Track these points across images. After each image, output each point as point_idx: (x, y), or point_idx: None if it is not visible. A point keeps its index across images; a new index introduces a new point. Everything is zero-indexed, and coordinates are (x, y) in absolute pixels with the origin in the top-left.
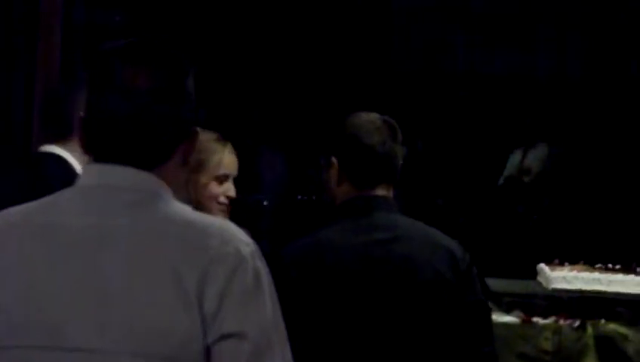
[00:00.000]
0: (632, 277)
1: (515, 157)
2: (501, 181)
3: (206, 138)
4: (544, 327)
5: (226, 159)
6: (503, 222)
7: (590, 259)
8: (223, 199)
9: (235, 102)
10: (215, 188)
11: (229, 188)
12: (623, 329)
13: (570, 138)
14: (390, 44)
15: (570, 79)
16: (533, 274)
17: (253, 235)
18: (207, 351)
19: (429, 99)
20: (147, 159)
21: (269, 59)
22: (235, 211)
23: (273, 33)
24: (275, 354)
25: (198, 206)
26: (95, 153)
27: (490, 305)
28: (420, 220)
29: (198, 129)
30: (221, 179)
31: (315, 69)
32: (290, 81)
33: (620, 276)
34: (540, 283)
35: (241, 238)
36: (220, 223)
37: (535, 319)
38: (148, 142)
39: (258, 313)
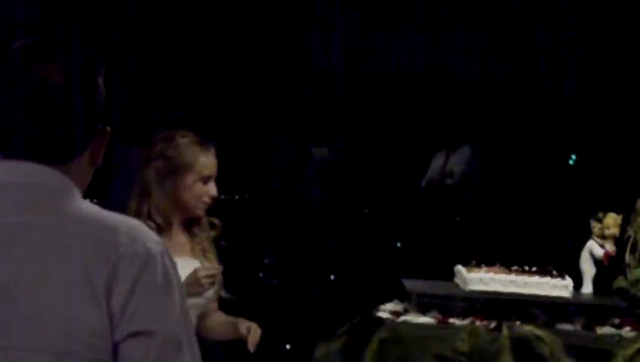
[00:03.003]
0: (547, 279)
1: (438, 160)
2: (424, 183)
3: (190, 140)
4: (460, 328)
5: (211, 161)
6: (424, 223)
7: (507, 261)
8: (207, 199)
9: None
10: (200, 188)
11: (213, 188)
12: (538, 331)
13: (492, 140)
14: (310, 44)
15: (492, 80)
16: (451, 275)
17: None
18: (116, 348)
19: (351, 100)
20: (56, 156)
21: (183, 65)
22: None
23: (187, 37)
24: (184, 352)
25: (179, 205)
26: (3, 150)
27: (407, 305)
28: (342, 220)
29: (109, 128)
30: (205, 180)
31: (230, 71)
32: (209, 82)
33: (536, 278)
34: (456, 285)
35: (151, 237)
36: (129, 221)
37: (451, 320)
38: (58, 139)
39: (167, 311)
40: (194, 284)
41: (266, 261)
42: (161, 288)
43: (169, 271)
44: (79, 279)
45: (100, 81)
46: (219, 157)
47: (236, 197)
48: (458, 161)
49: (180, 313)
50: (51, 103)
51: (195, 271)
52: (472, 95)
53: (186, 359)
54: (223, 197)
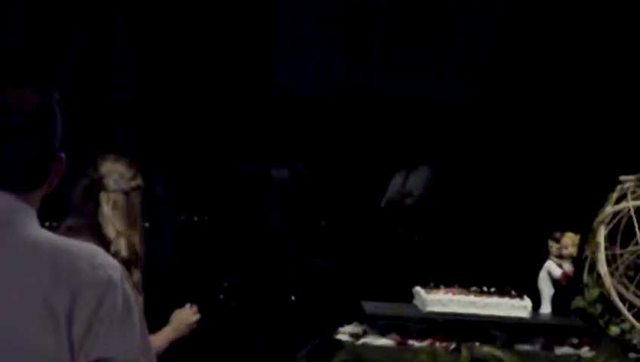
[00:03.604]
0: (506, 299)
1: (397, 180)
2: (383, 203)
3: (135, 165)
4: (419, 350)
5: None
6: (382, 244)
7: (465, 282)
8: None
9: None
10: None
11: None
12: (497, 352)
13: (451, 160)
14: (270, 65)
15: (451, 101)
16: (410, 296)
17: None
18: None
19: (312, 121)
20: (25, 183)
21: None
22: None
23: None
24: None
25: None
26: None
27: (367, 327)
28: (303, 241)
29: (64, 155)
30: None
31: (190, 91)
32: (170, 103)
33: (494, 299)
34: (415, 306)
35: (111, 263)
36: (89, 248)
37: (410, 342)
38: (28, 168)
39: (127, 338)
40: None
41: (225, 283)
42: (122, 315)
43: (129, 297)
44: (40, 306)
45: (58, 108)
46: (180, 178)
47: (195, 218)
48: (417, 180)
49: (139, 338)
50: (20, 132)
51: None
52: (430, 116)
53: None
54: (183, 218)
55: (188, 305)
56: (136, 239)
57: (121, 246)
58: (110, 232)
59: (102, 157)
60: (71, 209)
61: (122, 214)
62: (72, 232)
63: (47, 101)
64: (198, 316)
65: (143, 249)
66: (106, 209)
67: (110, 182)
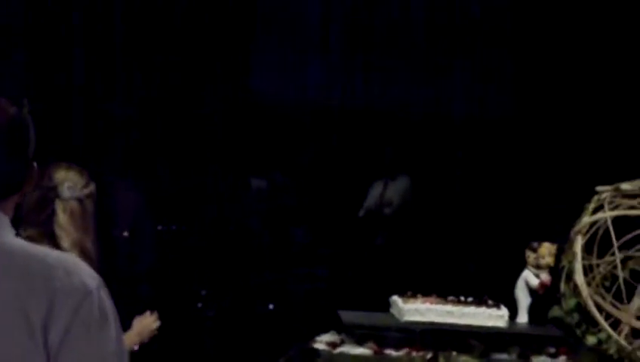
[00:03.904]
0: (483, 309)
1: (376, 189)
2: (361, 213)
3: (87, 172)
4: (396, 359)
5: None
6: (360, 253)
7: (442, 291)
8: None
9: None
10: None
11: None
12: (474, 361)
13: (431, 170)
14: (250, 75)
15: (429, 112)
16: (387, 306)
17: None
18: None
19: (291, 131)
20: (3, 191)
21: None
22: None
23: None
24: None
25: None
26: None
27: (344, 336)
28: (279, 250)
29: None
30: None
31: (168, 100)
32: (147, 111)
33: (471, 308)
34: (392, 315)
35: (86, 271)
36: (65, 256)
37: (387, 351)
38: (2, 177)
39: (102, 347)
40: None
41: (203, 292)
42: (98, 323)
43: (105, 305)
44: (16, 315)
45: (30, 118)
46: (160, 188)
47: (173, 227)
48: (396, 190)
49: (115, 346)
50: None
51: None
52: (408, 126)
53: None
54: (160, 228)
55: (148, 312)
56: (90, 246)
57: (76, 254)
58: (64, 241)
59: (54, 165)
60: (24, 218)
61: (77, 222)
62: (32, 241)
63: (18, 112)
64: (158, 323)
65: (96, 256)
66: (62, 217)
67: (64, 190)
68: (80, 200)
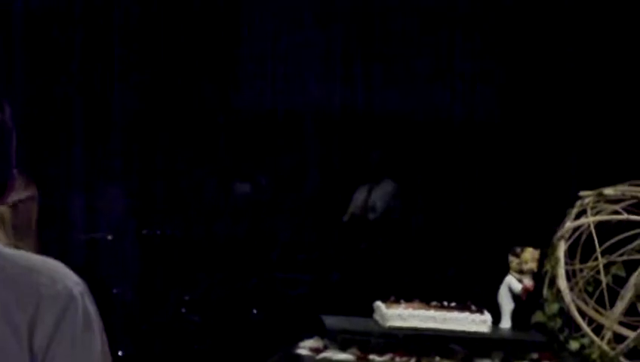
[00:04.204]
0: (466, 314)
1: (361, 194)
2: (346, 217)
3: (25, 175)
4: None
5: None
6: (344, 258)
7: (426, 297)
8: None
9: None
10: None
11: None
12: None
13: (415, 175)
14: (233, 79)
15: (414, 115)
16: (370, 311)
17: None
18: None
19: (274, 136)
20: None
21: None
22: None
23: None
24: None
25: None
26: None
27: (327, 342)
28: (261, 255)
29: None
30: None
31: (151, 105)
32: (131, 116)
33: (454, 313)
34: (376, 321)
35: (71, 277)
36: (49, 262)
37: (371, 356)
38: None
39: (87, 354)
40: None
41: (187, 297)
42: (82, 329)
43: (89, 310)
44: (2, 321)
45: (12, 124)
46: (145, 193)
47: (158, 232)
48: (381, 195)
49: (99, 355)
50: None
51: None
52: (396, 130)
53: None
54: (145, 232)
55: None
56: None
57: None
58: None
59: None
60: None
61: (7, 227)
62: None
63: (2, 118)
64: None
65: None
66: None
67: None
68: (14, 206)
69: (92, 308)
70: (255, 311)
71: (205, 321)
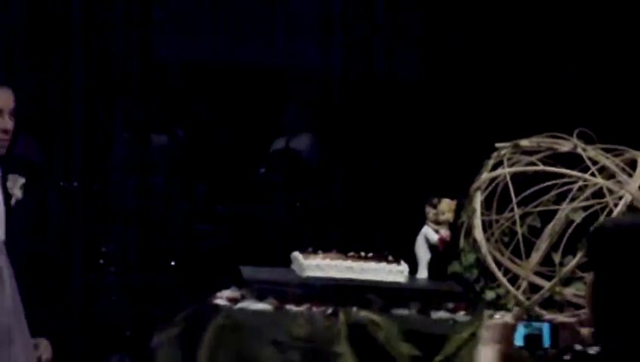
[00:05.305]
0: (383, 265)
1: (278, 145)
2: (262, 170)
3: None
4: (297, 314)
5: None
6: (262, 210)
7: (343, 247)
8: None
9: None
10: None
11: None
12: (374, 317)
13: (333, 126)
14: (150, 31)
15: (331, 68)
16: (287, 262)
17: None
18: None
19: (192, 88)
20: None
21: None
22: None
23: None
24: (15, 341)
25: None
26: None
27: (244, 292)
28: (181, 207)
29: None
30: None
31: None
32: (51, 70)
33: (372, 264)
34: (293, 271)
35: None
36: None
37: (288, 306)
38: None
39: None
40: None
41: (104, 248)
42: None
43: (1, 267)
44: None
45: None
46: (60, 144)
47: (75, 184)
48: (298, 146)
49: (11, 305)
50: None
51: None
52: (311, 83)
53: (17, 345)
54: (62, 184)
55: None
56: None
57: None
58: None
59: None
60: None
61: None
62: None
63: None
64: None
65: None
66: None
67: None
68: None
69: (4, 263)
70: (173, 263)
71: (123, 272)
